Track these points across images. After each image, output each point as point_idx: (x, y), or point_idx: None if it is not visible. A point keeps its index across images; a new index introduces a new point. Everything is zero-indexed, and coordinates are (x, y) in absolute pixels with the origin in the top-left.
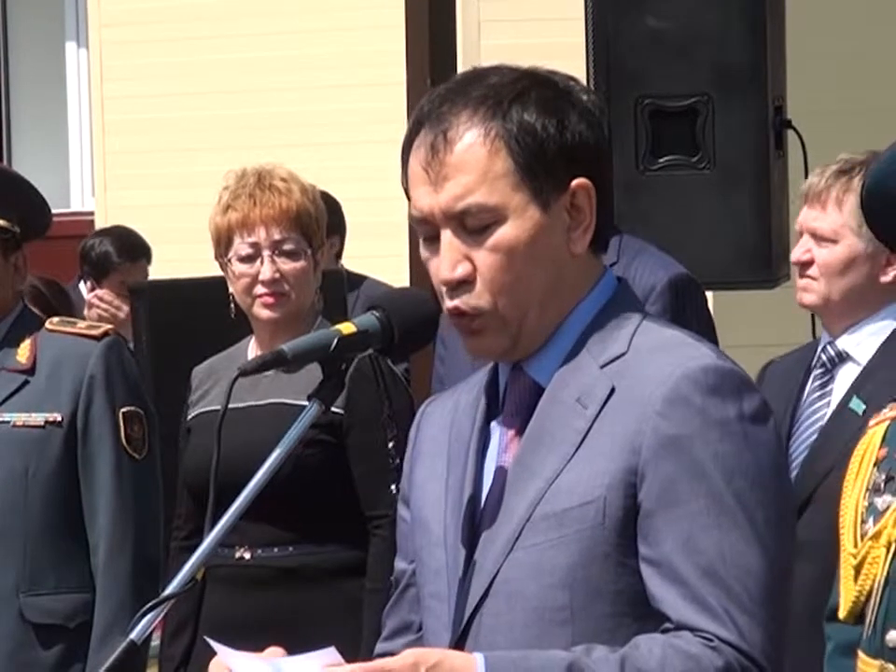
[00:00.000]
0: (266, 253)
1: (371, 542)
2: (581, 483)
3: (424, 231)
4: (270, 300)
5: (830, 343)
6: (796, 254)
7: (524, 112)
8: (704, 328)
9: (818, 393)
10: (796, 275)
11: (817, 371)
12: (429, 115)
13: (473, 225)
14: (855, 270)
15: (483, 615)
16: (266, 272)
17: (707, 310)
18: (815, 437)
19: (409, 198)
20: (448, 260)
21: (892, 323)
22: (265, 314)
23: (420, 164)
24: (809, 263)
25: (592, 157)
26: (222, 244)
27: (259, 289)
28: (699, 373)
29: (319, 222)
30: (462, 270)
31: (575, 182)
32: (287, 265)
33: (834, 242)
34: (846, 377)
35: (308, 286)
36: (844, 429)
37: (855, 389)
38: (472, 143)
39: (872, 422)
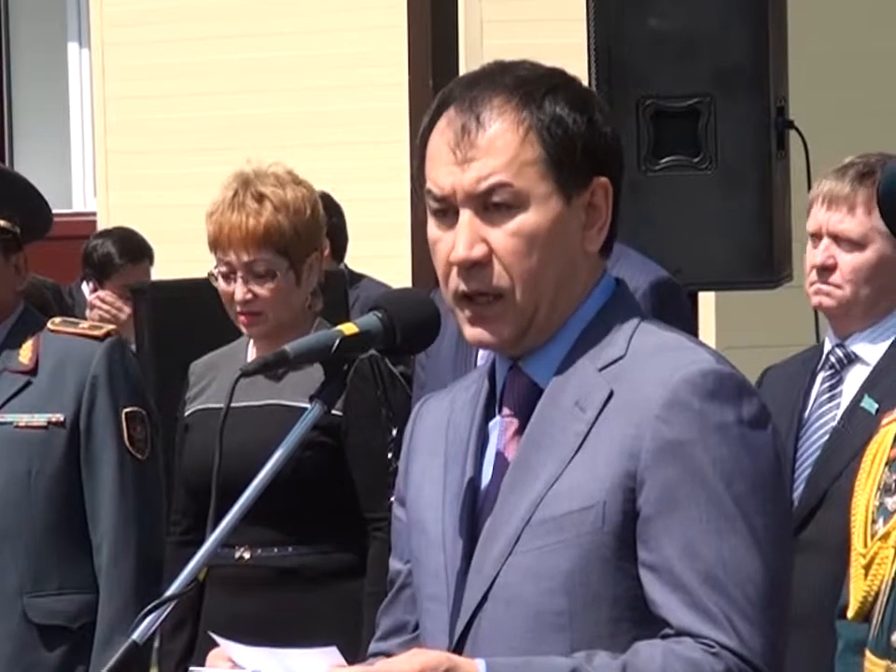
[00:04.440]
0: (239, 274)
1: (371, 544)
2: (581, 488)
3: (438, 206)
4: (245, 319)
5: (838, 344)
6: (818, 257)
7: (556, 105)
8: (686, 331)
9: (827, 395)
10: (803, 276)
11: (825, 374)
12: (459, 98)
13: (496, 203)
14: (881, 275)
15: (481, 619)
16: (238, 294)
17: (690, 313)
18: (826, 437)
19: (421, 184)
20: (465, 239)
21: None
22: (245, 330)
23: (447, 144)
24: (832, 268)
25: (613, 159)
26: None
27: (237, 307)
28: (698, 377)
29: (301, 234)
30: (479, 251)
31: (597, 180)
32: (258, 288)
33: (862, 246)
34: (855, 378)
35: (286, 301)
36: (857, 429)
37: (866, 389)
38: (505, 128)
39: (885, 420)
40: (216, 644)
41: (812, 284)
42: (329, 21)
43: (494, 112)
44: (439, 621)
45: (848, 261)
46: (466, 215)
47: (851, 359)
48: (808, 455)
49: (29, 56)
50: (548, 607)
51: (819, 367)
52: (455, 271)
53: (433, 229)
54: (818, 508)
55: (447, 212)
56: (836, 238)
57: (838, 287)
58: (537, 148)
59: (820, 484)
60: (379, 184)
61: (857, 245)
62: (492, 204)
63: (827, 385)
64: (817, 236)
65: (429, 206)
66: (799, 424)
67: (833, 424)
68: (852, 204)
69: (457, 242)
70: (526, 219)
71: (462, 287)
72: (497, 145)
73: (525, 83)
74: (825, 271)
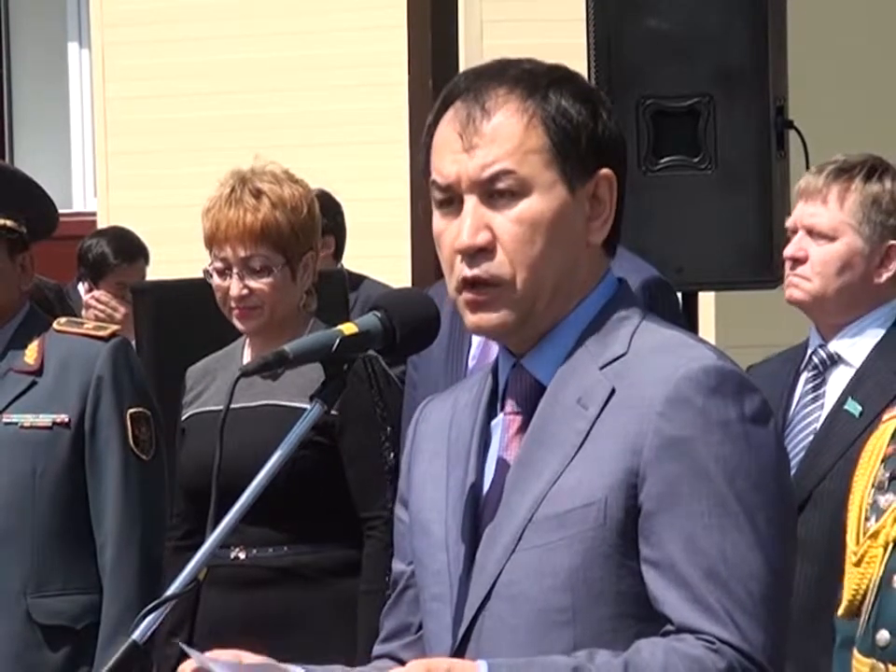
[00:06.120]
0: (235, 270)
1: (366, 543)
2: (583, 485)
3: (442, 196)
4: (240, 312)
5: (821, 345)
6: (790, 250)
7: (560, 96)
8: None
9: (811, 395)
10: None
11: (808, 374)
12: (466, 90)
13: (500, 190)
14: (851, 269)
15: (484, 617)
16: (234, 289)
17: (680, 312)
18: (810, 438)
19: (427, 178)
20: (470, 226)
21: (885, 325)
22: (240, 326)
23: (454, 131)
24: (802, 260)
25: (617, 153)
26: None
27: (232, 303)
28: (700, 374)
29: (298, 232)
30: (483, 237)
31: (602, 171)
32: (255, 283)
33: (832, 239)
34: (838, 379)
35: (282, 297)
36: (840, 431)
37: (850, 391)
38: (510, 116)
39: (885, 416)
40: (212, 647)
41: (787, 277)
42: (329, 21)
43: (499, 101)
44: (442, 620)
45: (818, 253)
46: (471, 202)
47: (834, 360)
48: (793, 457)
49: (29, 56)
50: (551, 604)
51: (803, 367)
52: (458, 258)
53: (437, 220)
54: (801, 509)
55: (452, 201)
56: (810, 231)
57: (807, 279)
58: (541, 137)
59: (804, 486)
60: (379, 184)
61: (828, 237)
62: (496, 191)
63: (811, 385)
64: (793, 231)
65: (434, 198)
66: (783, 424)
67: (817, 425)
68: (825, 197)
69: (462, 229)
70: (530, 206)
71: (466, 272)
72: (502, 132)
73: (529, 75)
74: (797, 263)
